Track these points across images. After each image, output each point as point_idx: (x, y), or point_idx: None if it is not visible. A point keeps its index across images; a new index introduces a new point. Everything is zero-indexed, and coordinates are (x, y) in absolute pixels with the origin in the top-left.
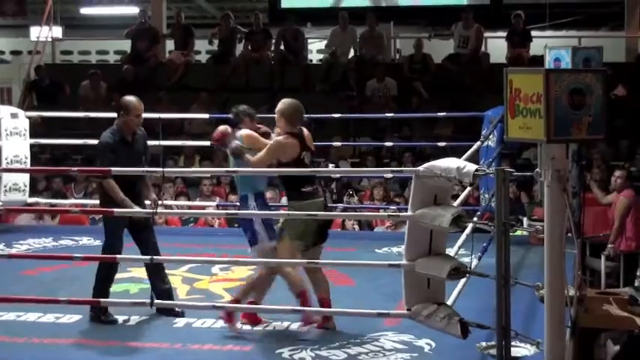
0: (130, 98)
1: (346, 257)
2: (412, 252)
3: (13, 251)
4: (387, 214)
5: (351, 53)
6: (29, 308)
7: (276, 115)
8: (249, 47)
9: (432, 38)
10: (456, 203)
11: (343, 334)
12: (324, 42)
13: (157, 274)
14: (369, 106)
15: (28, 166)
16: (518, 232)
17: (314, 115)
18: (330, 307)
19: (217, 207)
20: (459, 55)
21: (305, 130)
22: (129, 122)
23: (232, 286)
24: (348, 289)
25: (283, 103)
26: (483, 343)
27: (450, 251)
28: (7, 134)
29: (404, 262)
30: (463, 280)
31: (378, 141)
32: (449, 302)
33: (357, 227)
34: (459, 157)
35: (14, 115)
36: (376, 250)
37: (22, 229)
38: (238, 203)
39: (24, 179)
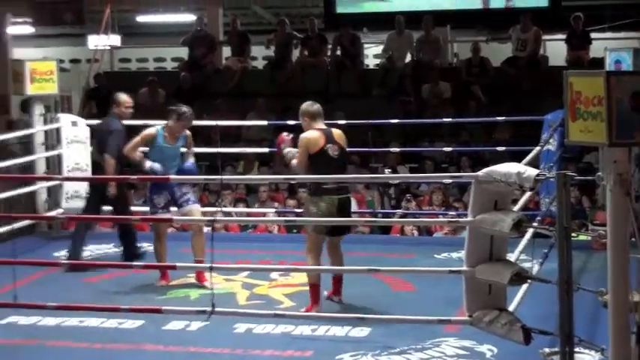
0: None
1: (406, 263)
2: (473, 258)
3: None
4: (446, 219)
5: (408, 57)
6: (92, 314)
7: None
8: (306, 53)
9: (489, 41)
10: (516, 208)
11: (404, 340)
12: (381, 47)
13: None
14: (427, 110)
15: (89, 173)
16: (581, 237)
17: (371, 121)
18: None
19: (276, 213)
20: (517, 59)
21: (336, 130)
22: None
23: (292, 292)
24: (408, 295)
25: (304, 105)
26: (546, 350)
27: (511, 257)
28: (67, 142)
29: (464, 268)
30: (525, 286)
31: (436, 146)
32: (510, 308)
33: (415, 233)
34: (518, 161)
35: (74, 124)
36: (436, 256)
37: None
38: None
39: (85, 187)
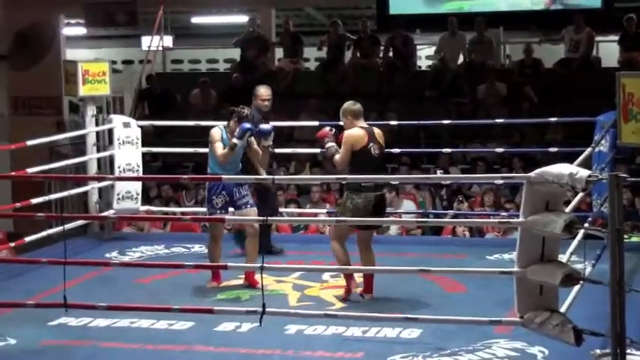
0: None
1: (457, 264)
2: (524, 259)
3: (126, 259)
4: (498, 220)
5: (460, 59)
6: (143, 314)
7: (341, 117)
8: (358, 54)
9: (542, 43)
10: (567, 209)
11: (454, 341)
12: (433, 48)
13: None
14: (479, 112)
15: (140, 174)
16: (633, 239)
17: (423, 122)
18: (372, 284)
19: (327, 214)
20: (569, 60)
21: (376, 129)
22: None
23: (343, 293)
24: (459, 296)
25: (346, 104)
26: (598, 351)
27: (563, 258)
28: (119, 143)
29: (516, 269)
30: (576, 288)
31: (488, 147)
32: (562, 309)
33: (467, 234)
34: (570, 162)
35: (126, 125)
36: (487, 257)
37: (135, 237)
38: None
39: (136, 187)
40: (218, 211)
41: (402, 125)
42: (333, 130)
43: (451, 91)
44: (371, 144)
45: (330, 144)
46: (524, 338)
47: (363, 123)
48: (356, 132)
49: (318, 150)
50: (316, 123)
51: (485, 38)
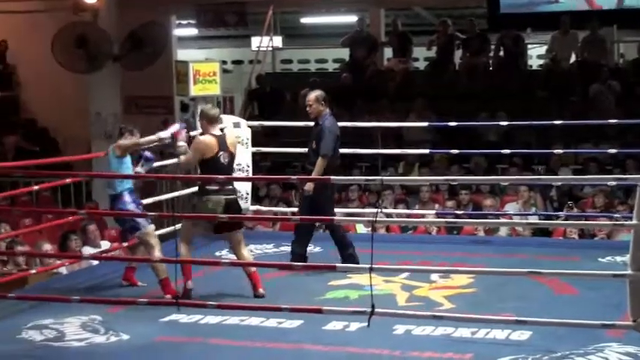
0: None
1: (569, 266)
2: (638, 262)
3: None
4: (610, 222)
5: (572, 58)
6: (252, 313)
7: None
8: (467, 54)
9: None
10: None
11: (565, 344)
12: (544, 47)
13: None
14: (591, 112)
15: (250, 174)
16: None
17: (534, 122)
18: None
19: (436, 214)
20: None
21: (229, 136)
22: None
23: (452, 294)
24: (570, 298)
25: (205, 107)
26: None
27: None
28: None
29: (629, 272)
30: None
31: (601, 147)
32: None
33: (575, 236)
34: None
35: (236, 125)
36: (599, 259)
37: (244, 235)
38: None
39: (246, 187)
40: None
41: (512, 125)
42: (184, 131)
43: (563, 91)
44: (221, 152)
45: (180, 143)
46: (637, 343)
47: (217, 129)
48: (207, 139)
49: (427, 151)
50: (425, 124)
51: (598, 37)
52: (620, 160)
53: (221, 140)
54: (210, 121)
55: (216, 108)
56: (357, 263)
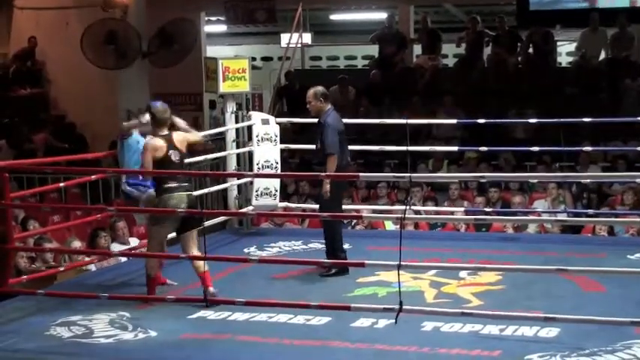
0: None
1: (597, 263)
2: None
3: (264, 254)
4: (638, 220)
5: (602, 55)
6: (280, 310)
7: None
8: (497, 51)
9: None
10: None
11: (593, 341)
12: (574, 44)
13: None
14: (621, 109)
15: (279, 171)
16: None
17: (563, 119)
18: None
19: (465, 212)
20: None
21: (177, 133)
22: None
23: (480, 291)
24: (598, 296)
25: (155, 109)
26: None
27: None
28: (258, 140)
29: None
30: None
31: (630, 145)
32: None
33: (604, 233)
34: None
35: (265, 121)
36: (628, 257)
37: (272, 232)
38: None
39: (275, 184)
40: None
41: (542, 122)
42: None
43: (592, 88)
44: (170, 151)
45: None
46: None
47: (164, 130)
48: (155, 142)
49: (455, 148)
50: (454, 121)
51: (627, 34)
52: None
53: (169, 140)
54: (157, 124)
55: (168, 109)
56: (344, 266)
